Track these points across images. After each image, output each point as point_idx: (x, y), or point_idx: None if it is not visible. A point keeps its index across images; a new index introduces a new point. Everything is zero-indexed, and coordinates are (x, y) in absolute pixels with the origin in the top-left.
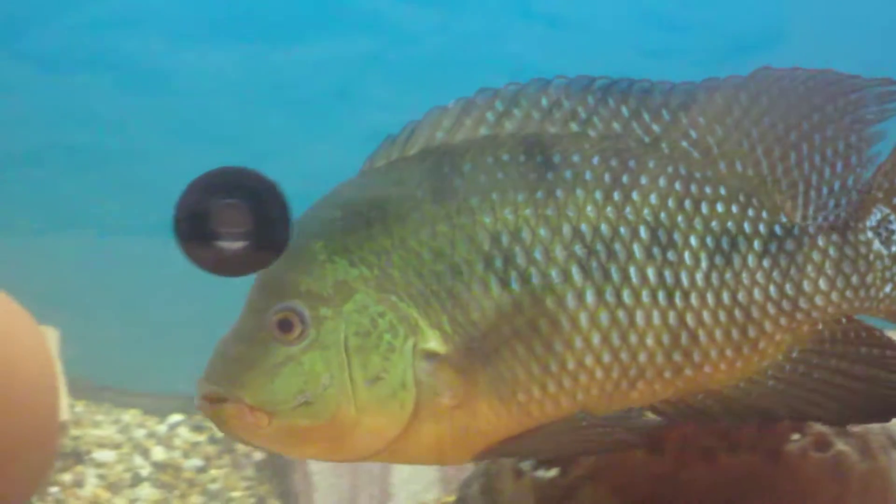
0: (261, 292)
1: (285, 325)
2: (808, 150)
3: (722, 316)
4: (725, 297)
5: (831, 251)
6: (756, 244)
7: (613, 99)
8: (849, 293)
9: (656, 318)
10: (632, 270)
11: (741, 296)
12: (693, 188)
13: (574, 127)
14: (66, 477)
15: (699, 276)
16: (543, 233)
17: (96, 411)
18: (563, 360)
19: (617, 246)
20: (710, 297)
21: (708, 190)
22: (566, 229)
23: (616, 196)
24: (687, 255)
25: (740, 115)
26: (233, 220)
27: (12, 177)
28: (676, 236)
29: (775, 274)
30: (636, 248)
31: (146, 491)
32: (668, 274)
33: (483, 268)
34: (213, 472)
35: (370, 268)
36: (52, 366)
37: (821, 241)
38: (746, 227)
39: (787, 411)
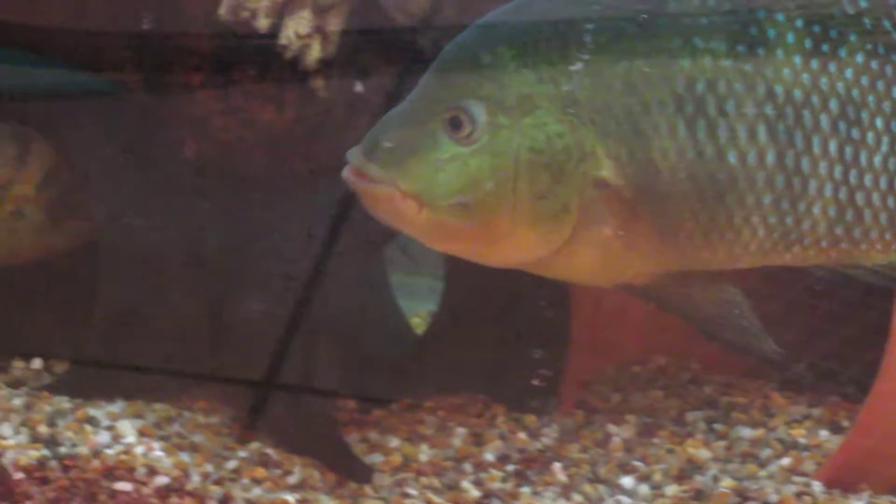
0: (439, 81)
1: (456, 123)
2: None
3: (890, 201)
4: None
5: None
6: None
7: None
8: None
9: (828, 190)
10: (815, 140)
11: None
12: (888, 70)
13: None
14: None
15: (877, 159)
16: (738, 87)
17: None
18: (731, 214)
19: (806, 113)
20: (882, 181)
21: None
22: (761, 88)
23: (814, 64)
24: (870, 135)
25: None
26: None
27: None
28: (864, 115)
29: None
30: (823, 119)
31: None
32: (848, 150)
33: (674, 110)
34: None
35: (558, 86)
36: None
37: None
38: None
39: None
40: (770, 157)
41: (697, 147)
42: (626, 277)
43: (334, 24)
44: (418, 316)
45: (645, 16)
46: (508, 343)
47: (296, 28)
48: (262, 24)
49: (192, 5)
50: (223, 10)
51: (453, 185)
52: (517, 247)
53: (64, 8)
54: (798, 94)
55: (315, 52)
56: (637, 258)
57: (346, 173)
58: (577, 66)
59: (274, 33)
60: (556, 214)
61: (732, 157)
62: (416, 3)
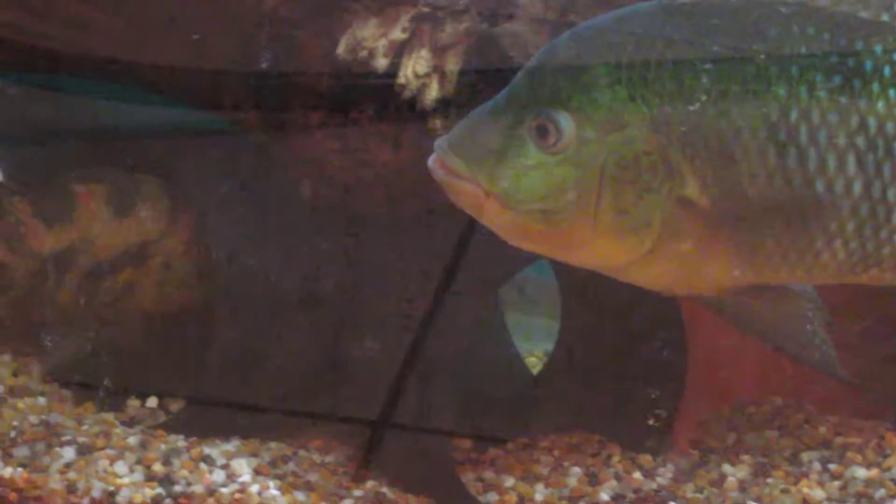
0: (530, 86)
1: (543, 131)
2: None
3: None
4: None
5: None
6: None
7: None
8: None
9: None
10: None
11: None
12: None
13: (885, 18)
14: None
15: None
16: (832, 118)
17: None
18: (813, 239)
19: None
20: None
21: None
22: (854, 120)
23: None
24: None
25: None
26: None
27: None
28: None
29: None
30: None
31: None
32: None
33: (765, 136)
34: None
35: (650, 106)
36: None
37: None
38: None
39: None
40: (857, 187)
41: (785, 174)
42: (702, 289)
43: (452, 63)
44: (534, 356)
45: (741, 42)
46: (624, 383)
47: (414, 67)
48: (381, 63)
49: (311, 44)
50: (341, 50)
51: (536, 191)
52: (597, 253)
53: (183, 48)
54: (890, 127)
55: (433, 92)
56: (715, 272)
57: (432, 163)
58: (670, 88)
59: (392, 72)
60: (638, 228)
61: (820, 186)
62: (534, 43)
